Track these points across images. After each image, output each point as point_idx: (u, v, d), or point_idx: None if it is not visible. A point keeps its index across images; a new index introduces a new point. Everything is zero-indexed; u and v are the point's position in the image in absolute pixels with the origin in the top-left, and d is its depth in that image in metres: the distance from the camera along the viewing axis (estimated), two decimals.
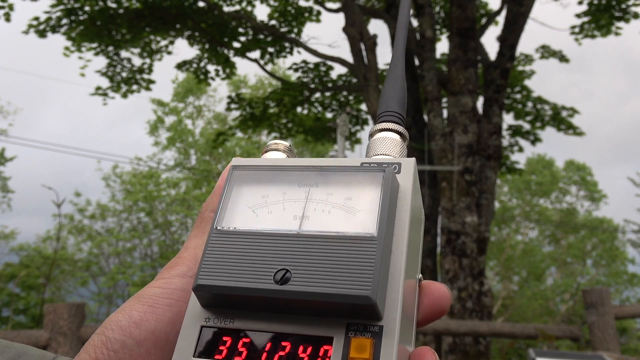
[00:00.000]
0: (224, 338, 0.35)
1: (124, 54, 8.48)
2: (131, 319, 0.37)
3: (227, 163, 0.45)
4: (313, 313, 0.34)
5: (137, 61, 12.90)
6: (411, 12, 7.60)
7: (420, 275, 0.40)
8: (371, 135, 0.45)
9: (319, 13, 8.86)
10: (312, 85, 9.11)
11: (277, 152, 0.45)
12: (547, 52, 9.39)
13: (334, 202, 0.38)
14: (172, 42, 8.64)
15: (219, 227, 0.38)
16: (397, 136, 0.44)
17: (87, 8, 7.53)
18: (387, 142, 0.43)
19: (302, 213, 0.38)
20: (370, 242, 0.34)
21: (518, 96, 9.60)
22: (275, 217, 0.38)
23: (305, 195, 0.39)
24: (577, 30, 8.35)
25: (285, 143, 0.45)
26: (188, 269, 0.40)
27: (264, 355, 0.34)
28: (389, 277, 0.35)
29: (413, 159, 0.40)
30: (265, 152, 0.45)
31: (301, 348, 0.34)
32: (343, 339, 0.33)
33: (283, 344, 0.34)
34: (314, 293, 0.33)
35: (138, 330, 0.37)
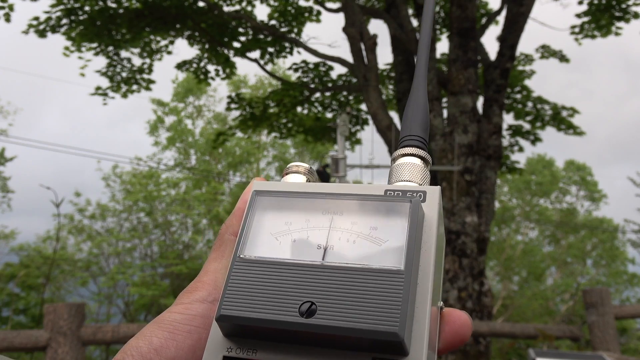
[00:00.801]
0: None
1: (124, 54, 8.48)
2: (151, 346, 0.37)
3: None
4: (338, 346, 0.34)
5: (137, 61, 12.89)
6: (411, 12, 7.60)
7: (442, 302, 0.40)
8: (394, 160, 0.45)
9: (319, 13, 8.86)
10: (312, 85, 9.11)
11: (297, 174, 0.44)
12: (547, 52, 9.39)
13: (358, 232, 0.37)
14: (172, 42, 8.64)
15: (242, 255, 0.37)
16: (420, 161, 0.44)
17: (87, 8, 7.53)
18: (410, 168, 0.43)
19: (326, 242, 0.37)
20: (398, 276, 0.34)
21: (518, 96, 9.60)
22: (298, 246, 0.38)
23: (329, 224, 0.38)
24: (577, 30, 8.35)
25: (306, 165, 0.45)
26: (208, 293, 0.39)
27: None
28: (415, 311, 0.35)
29: (438, 188, 0.40)
30: (286, 174, 0.45)
31: None
32: None
33: None
34: (340, 328, 0.32)
35: (158, 357, 0.36)
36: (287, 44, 8.82)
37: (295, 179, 0.44)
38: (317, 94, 9.45)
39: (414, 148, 0.44)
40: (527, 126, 9.74)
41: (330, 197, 0.39)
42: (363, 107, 9.84)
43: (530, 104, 9.57)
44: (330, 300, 0.34)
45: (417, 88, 0.48)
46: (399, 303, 0.33)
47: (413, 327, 0.34)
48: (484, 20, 8.02)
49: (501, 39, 6.64)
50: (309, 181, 0.44)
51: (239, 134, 11.62)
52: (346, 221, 0.38)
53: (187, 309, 0.39)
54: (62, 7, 7.49)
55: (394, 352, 0.33)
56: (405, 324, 0.32)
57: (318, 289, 0.34)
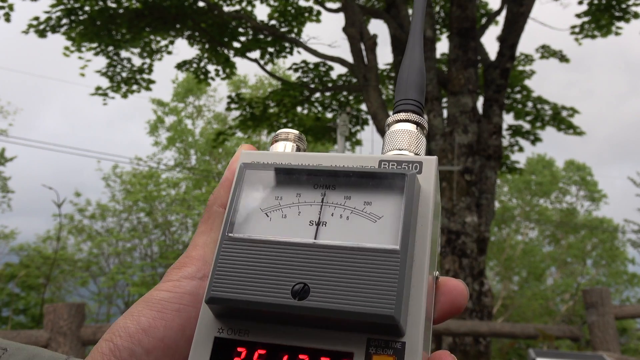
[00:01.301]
0: (239, 349, 0.34)
1: (124, 54, 8.48)
2: (139, 326, 0.36)
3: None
4: (332, 327, 0.33)
5: (137, 61, 12.89)
6: (411, 11, 7.61)
7: (437, 272, 0.39)
8: (388, 126, 0.43)
9: (319, 13, 8.86)
10: (312, 85, 9.11)
11: (287, 142, 0.42)
12: (547, 52, 9.39)
13: (352, 207, 0.36)
14: (172, 42, 8.64)
15: (230, 234, 0.36)
16: (415, 127, 0.41)
17: (87, 8, 7.53)
18: (405, 136, 0.41)
19: (318, 218, 0.36)
20: (393, 256, 0.33)
21: (518, 96, 9.60)
22: (290, 222, 0.36)
23: (321, 198, 0.36)
24: (577, 30, 8.35)
25: (296, 132, 0.43)
26: (197, 269, 0.38)
27: None
28: (412, 291, 0.33)
29: (435, 158, 0.38)
30: (275, 141, 0.43)
31: None
32: (364, 355, 0.32)
33: (300, 357, 0.33)
34: (335, 310, 0.32)
35: (147, 337, 0.35)
36: (287, 44, 8.82)
37: (285, 147, 0.42)
38: (317, 94, 9.45)
39: (409, 113, 0.42)
40: (527, 126, 9.74)
41: (321, 170, 0.37)
42: (363, 107, 9.84)
43: (530, 104, 9.57)
44: (324, 281, 0.33)
45: (413, 48, 0.45)
46: (394, 284, 0.32)
47: (409, 306, 0.33)
48: (484, 20, 8.01)
49: (501, 39, 6.64)
50: (299, 149, 0.42)
51: (239, 134, 11.62)
52: (339, 196, 0.36)
53: (176, 287, 0.37)
54: (62, 7, 7.49)
55: (390, 333, 0.32)
56: (402, 306, 0.31)
57: (311, 269, 0.33)
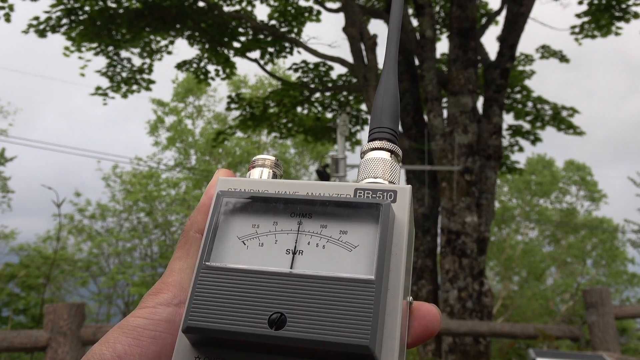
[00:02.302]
0: None
1: (124, 54, 8.48)
2: (115, 352, 0.36)
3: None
4: (308, 357, 0.33)
5: (137, 61, 12.91)
6: (411, 11, 7.60)
7: (411, 297, 0.39)
8: (363, 154, 0.43)
9: (319, 13, 8.86)
10: (312, 85, 9.11)
11: (264, 168, 0.43)
12: (547, 52, 9.39)
13: (328, 236, 0.36)
14: (172, 42, 8.64)
15: (207, 263, 0.35)
16: (389, 155, 0.42)
17: (87, 8, 7.53)
18: (379, 164, 0.42)
19: (294, 247, 0.36)
20: (368, 286, 0.33)
21: (518, 96, 9.60)
22: (266, 251, 0.36)
23: (297, 227, 0.37)
24: (577, 30, 8.35)
25: (271, 158, 0.43)
26: (173, 296, 0.38)
27: None
28: (386, 319, 0.34)
29: (409, 187, 0.39)
30: (252, 167, 0.43)
31: None
32: None
33: None
34: (311, 341, 0.32)
35: None
36: (287, 44, 8.82)
37: (261, 174, 0.42)
38: (317, 94, 9.45)
39: (383, 141, 0.43)
40: (527, 126, 9.74)
41: (298, 199, 0.37)
42: (363, 107, 9.85)
43: (530, 104, 9.57)
44: (300, 310, 0.33)
45: (387, 76, 0.46)
46: (369, 314, 0.32)
47: (384, 335, 0.33)
48: (484, 20, 8.02)
49: (501, 39, 6.64)
50: (275, 175, 0.43)
51: (239, 134, 11.63)
52: (315, 224, 0.37)
53: (152, 314, 0.37)
54: (62, 7, 7.49)
55: None
56: (376, 336, 0.32)
57: (287, 298, 0.33)
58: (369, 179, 0.41)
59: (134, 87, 8.72)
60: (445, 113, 6.39)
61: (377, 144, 0.43)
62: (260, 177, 0.42)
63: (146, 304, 0.38)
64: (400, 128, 7.28)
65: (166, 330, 0.37)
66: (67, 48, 7.97)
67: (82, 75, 7.99)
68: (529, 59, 9.65)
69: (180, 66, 9.06)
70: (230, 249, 0.37)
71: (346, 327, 0.32)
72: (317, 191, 0.39)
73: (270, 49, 8.85)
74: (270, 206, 0.38)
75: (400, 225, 0.37)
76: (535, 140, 9.67)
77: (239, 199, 0.38)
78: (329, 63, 8.96)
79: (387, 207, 0.35)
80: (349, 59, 7.24)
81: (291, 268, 0.35)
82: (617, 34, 8.18)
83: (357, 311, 0.32)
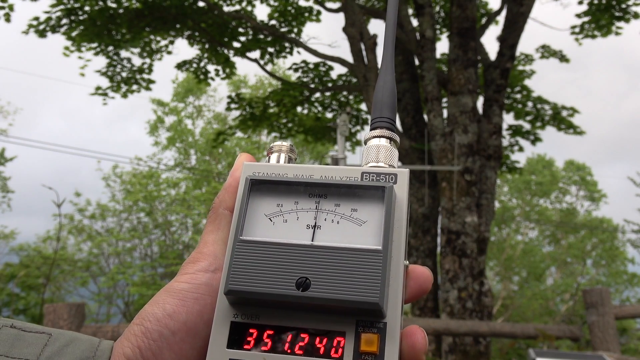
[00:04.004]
0: (251, 330, 0.41)
1: (124, 54, 8.48)
2: (165, 312, 0.42)
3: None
4: (328, 312, 0.41)
5: (137, 61, 12.91)
6: (411, 11, 7.59)
7: (407, 262, 0.45)
8: (366, 141, 0.50)
9: (319, 13, 8.86)
10: (312, 85, 9.11)
11: (281, 153, 0.49)
12: (547, 52, 9.39)
13: (342, 213, 0.43)
14: (172, 42, 8.64)
15: (242, 238, 0.42)
16: (389, 142, 0.49)
17: (87, 8, 7.53)
18: (381, 150, 0.48)
19: (314, 223, 0.43)
20: (377, 255, 0.40)
21: (518, 96, 9.60)
22: (290, 226, 0.43)
23: (315, 206, 0.44)
24: (577, 30, 8.35)
25: (287, 144, 0.49)
26: (209, 264, 0.45)
27: (286, 345, 0.40)
28: (391, 281, 0.41)
29: (407, 170, 0.45)
30: (270, 153, 0.49)
31: (318, 339, 0.40)
32: (354, 333, 0.40)
33: (302, 335, 0.41)
34: (331, 299, 0.39)
35: (172, 321, 0.42)
36: (287, 44, 8.82)
37: (279, 158, 0.49)
38: (317, 94, 9.44)
39: (383, 130, 0.49)
40: (527, 126, 9.74)
41: (315, 183, 0.44)
42: (363, 107, 9.84)
43: (530, 103, 9.56)
44: (321, 275, 0.40)
45: (385, 71, 0.52)
46: (378, 277, 0.39)
47: (389, 294, 0.41)
48: (484, 20, 8.01)
49: (501, 39, 6.64)
50: (291, 159, 0.49)
51: (239, 134, 11.62)
52: (330, 203, 0.44)
53: (193, 279, 0.44)
54: (62, 7, 7.49)
55: (375, 316, 0.40)
56: (384, 295, 0.39)
57: (310, 265, 0.40)
58: (371, 163, 0.48)
59: (134, 87, 8.72)
60: (445, 113, 6.38)
61: (377, 132, 0.49)
62: (277, 161, 0.49)
63: (187, 271, 0.45)
64: (400, 128, 7.28)
65: (206, 292, 0.43)
66: (67, 48, 7.96)
67: (82, 75, 7.99)
68: (529, 59, 9.64)
69: (180, 66, 9.06)
70: (259, 225, 0.44)
71: (359, 288, 0.39)
72: (329, 174, 0.46)
73: (270, 49, 8.85)
74: (292, 188, 0.45)
75: (400, 203, 0.44)
76: (535, 140, 9.66)
77: (264, 183, 0.45)
78: (329, 63, 8.95)
79: (390, 189, 0.43)
80: (349, 59, 7.24)
81: (312, 240, 0.42)
82: (617, 33, 8.17)
83: (368, 275, 0.40)
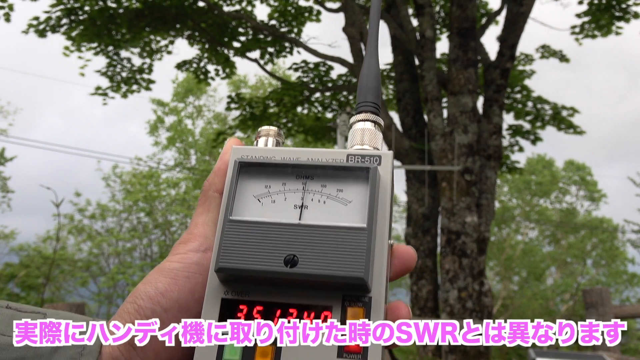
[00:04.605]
0: (241, 307, 0.42)
1: (124, 53, 8.48)
2: (157, 290, 0.44)
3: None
4: (315, 288, 0.42)
5: (137, 61, 12.89)
6: (411, 11, 7.59)
7: (392, 241, 0.46)
8: (351, 125, 0.51)
9: (319, 13, 8.86)
10: (312, 85, 9.11)
11: (269, 137, 0.50)
12: (547, 52, 9.39)
13: (328, 194, 0.44)
14: (172, 42, 8.63)
15: (232, 218, 0.43)
16: (373, 126, 0.50)
17: (87, 8, 7.53)
18: (366, 133, 0.49)
19: (301, 203, 0.44)
20: (362, 232, 0.41)
21: (518, 96, 9.60)
22: (278, 206, 0.44)
23: (302, 187, 0.45)
24: (577, 30, 8.35)
25: (275, 128, 0.50)
26: (200, 244, 0.46)
27: (275, 320, 0.42)
28: (375, 258, 0.42)
29: (391, 153, 0.47)
30: (258, 137, 0.50)
31: (305, 314, 0.42)
32: (340, 307, 0.41)
33: (290, 310, 0.42)
34: (318, 275, 0.40)
35: (165, 299, 0.43)
36: (287, 44, 8.82)
37: (267, 142, 0.50)
38: (317, 94, 9.44)
39: (368, 114, 0.51)
40: (527, 126, 9.74)
41: (302, 164, 0.45)
42: None
43: (530, 103, 9.56)
44: (309, 252, 0.41)
45: (370, 57, 0.53)
46: (363, 254, 0.41)
47: (374, 269, 0.42)
48: (484, 20, 8.01)
49: (501, 39, 6.64)
50: (278, 143, 0.50)
51: (239, 134, 11.62)
52: (317, 184, 0.45)
53: (184, 259, 0.45)
54: (62, 7, 7.48)
55: (360, 290, 0.41)
56: (369, 270, 0.40)
57: (298, 243, 0.42)
58: (357, 146, 0.49)
59: (134, 87, 8.72)
60: (445, 113, 6.38)
61: (362, 116, 0.51)
62: (265, 144, 0.49)
63: (178, 251, 0.46)
64: (400, 128, 7.28)
65: (197, 271, 0.45)
66: (67, 48, 7.96)
67: (82, 75, 7.99)
68: (529, 59, 9.64)
69: (180, 66, 9.06)
70: (248, 205, 0.45)
71: (345, 264, 0.40)
72: (315, 157, 0.47)
73: (270, 49, 8.85)
74: (280, 170, 0.46)
75: (384, 184, 0.45)
76: (536, 140, 9.66)
77: (253, 165, 0.46)
78: (329, 63, 8.95)
79: (375, 170, 0.44)
80: (349, 59, 7.24)
81: (299, 220, 0.43)
82: (617, 33, 8.17)
83: (353, 251, 0.41)
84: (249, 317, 0.42)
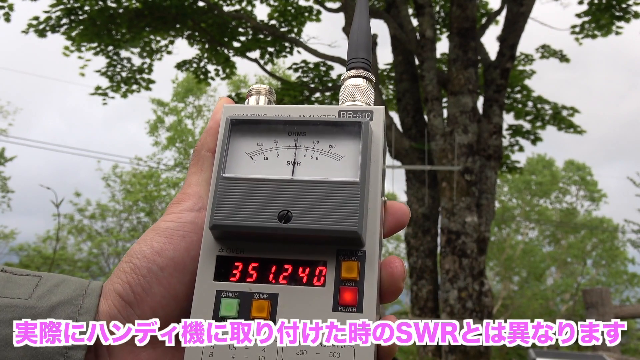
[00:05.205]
0: (236, 264, 0.42)
1: (124, 53, 8.47)
2: (153, 249, 0.44)
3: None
4: (309, 243, 0.42)
5: (137, 61, 12.88)
6: (411, 11, 7.59)
7: (385, 197, 0.46)
8: (343, 81, 0.51)
9: (319, 13, 8.86)
10: (312, 85, 9.11)
11: (260, 95, 0.50)
12: (547, 52, 9.38)
13: (320, 149, 0.44)
14: (172, 42, 8.63)
15: (225, 175, 0.43)
16: (364, 81, 0.50)
17: (87, 8, 7.53)
18: (357, 89, 0.49)
19: (294, 159, 0.44)
20: (355, 186, 0.41)
21: (518, 96, 9.59)
22: (271, 163, 0.44)
23: (294, 143, 0.45)
24: (577, 30, 8.35)
25: (266, 87, 0.50)
26: (194, 203, 0.46)
27: (271, 276, 0.42)
28: (369, 212, 0.42)
29: (383, 108, 0.46)
30: (249, 95, 0.50)
31: (300, 269, 0.42)
32: (335, 262, 0.42)
33: (285, 266, 0.42)
34: (312, 229, 0.40)
35: (160, 258, 0.43)
36: (287, 44, 8.81)
37: (258, 100, 0.49)
38: (317, 94, 9.44)
39: (359, 70, 0.50)
40: (527, 126, 9.73)
41: (294, 120, 0.45)
42: None
43: (530, 103, 9.56)
44: (302, 207, 0.41)
45: (360, 14, 0.53)
46: (356, 208, 0.41)
47: (367, 223, 0.42)
48: (484, 20, 8.01)
49: (501, 39, 6.64)
50: (270, 101, 0.50)
51: None
52: (309, 140, 0.45)
53: (179, 218, 0.45)
54: (62, 6, 7.48)
55: (354, 244, 0.41)
56: (362, 224, 0.40)
57: (291, 199, 0.42)
58: (349, 102, 0.49)
59: (134, 87, 8.71)
60: (445, 113, 6.38)
61: (353, 72, 0.50)
62: (257, 103, 0.49)
63: (172, 211, 0.46)
64: (400, 128, 7.28)
65: (192, 230, 0.45)
66: (67, 48, 7.96)
67: (82, 75, 7.99)
68: (529, 59, 9.64)
69: (180, 66, 9.05)
70: (241, 162, 0.45)
71: (339, 218, 0.40)
72: (307, 114, 0.46)
73: (270, 49, 8.85)
74: (272, 127, 0.45)
75: (377, 139, 0.45)
76: (536, 140, 9.66)
77: (245, 123, 0.46)
78: (329, 63, 8.95)
79: (367, 125, 0.44)
80: None
81: (292, 175, 0.43)
82: (617, 33, 8.17)
83: (347, 205, 0.41)
84: (245, 273, 0.42)
